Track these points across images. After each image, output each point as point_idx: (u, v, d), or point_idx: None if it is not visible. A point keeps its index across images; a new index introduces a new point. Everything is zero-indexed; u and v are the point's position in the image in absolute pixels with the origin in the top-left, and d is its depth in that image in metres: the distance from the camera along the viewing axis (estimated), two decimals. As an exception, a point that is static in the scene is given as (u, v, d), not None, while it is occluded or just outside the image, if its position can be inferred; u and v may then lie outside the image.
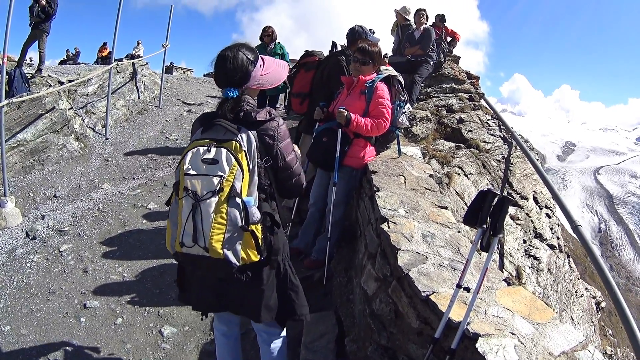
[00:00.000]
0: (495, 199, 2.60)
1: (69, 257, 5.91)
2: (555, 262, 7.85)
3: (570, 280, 8.17)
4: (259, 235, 2.48)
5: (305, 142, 6.09)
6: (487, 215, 2.59)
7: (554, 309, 6.35)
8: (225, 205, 2.39)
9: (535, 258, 7.28)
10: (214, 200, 2.39)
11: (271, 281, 2.75)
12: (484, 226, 2.60)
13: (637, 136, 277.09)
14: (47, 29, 10.18)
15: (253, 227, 2.44)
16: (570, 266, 8.56)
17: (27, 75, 9.28)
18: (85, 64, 19.68)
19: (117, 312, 4.80)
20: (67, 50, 24.50)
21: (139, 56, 17.74)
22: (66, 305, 4.93)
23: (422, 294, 2.92)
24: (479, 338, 2.47)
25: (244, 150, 2.47)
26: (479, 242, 2.65)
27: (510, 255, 6.75)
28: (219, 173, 2.40)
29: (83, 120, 10.00)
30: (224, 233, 2.39)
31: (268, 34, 9.06)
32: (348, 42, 5.96)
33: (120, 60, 14.45)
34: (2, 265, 5.82)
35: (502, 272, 5.96)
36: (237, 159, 2.43)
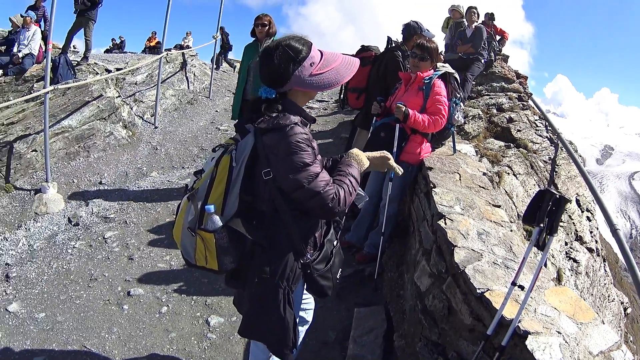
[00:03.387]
0: (553, 199, 2.59)
1: (114, 244, 5.95)
2: (593, 266, 7.81)
3: (605, 284, 8.13)
4: (210, 244, 2.32)
5: (361, 136, 6.13)
6: (544, 214, 2.59)
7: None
8: (186, 205, 2.43)
9: (575, 261, 7.23)
10: (184, 198, 2.45)
11: (257, 299, 2.55)
12: (541, 225, 2.60)
13: None
14: (93, 17, 10.34)
15: (202, 233, 2.33)
16: (605, 270, 8.52)
17: (72, 62, 9.40)
18: (132, 52, 19.81)
19: (163, 300, 4.81)
20: (113, 39, 24.49)
21: (188, 47, 17.90)
22: (108, 292, 4.95)
23: (477, 290, 2.95)
24: (529, 336, 2.50)
25: (231, 156, 2.35)
26: (536, 240, 2.63)
27: (553, 257, 6.70)
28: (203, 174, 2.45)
29: (131, 109, 10.19)
30: (181, 229, 2.43)
31: (263, 24, 6.28)
32: (403, 38, 5.99)
33: (170, 50, 14.68)
34: (41, 251, 5.86)
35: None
36: (217, 163, 2.36)
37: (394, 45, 6.24)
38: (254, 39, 6.46)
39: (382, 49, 6.46)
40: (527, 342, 2.46)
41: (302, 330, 3.10)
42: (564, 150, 8.74)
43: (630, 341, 8.82)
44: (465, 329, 3.09)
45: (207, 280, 5.11)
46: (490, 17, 11.47)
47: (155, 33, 21.58)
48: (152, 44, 20.93)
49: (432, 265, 3.80)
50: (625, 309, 8.36)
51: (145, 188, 7.71)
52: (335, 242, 2.78)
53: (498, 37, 11.30)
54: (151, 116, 10.76)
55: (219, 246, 2.32)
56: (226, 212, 2.36)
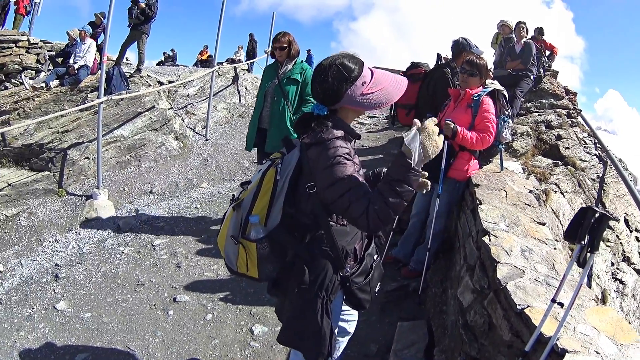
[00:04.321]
0: (595, 216, 2.56)
1: (162, 251, 6.05)
2: None
3: None
4: (252, 252, 2.44)
5: (411, 153, 6.15)
6: (586, 231, 2.56)
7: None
8: (232, 214, 2.54)
9: (621, 282, 7.04)
10: (230, 208, 2.58)
11: (297, 308, 2.61)
12: (582, 242, 2.57)
13: None
14: (146, 31, 10.72)
15: (245, 242, 2.44)
16: None
17: (125, 74, 9.76)
18: (184, 66, 20.30)
19: (208, 308, 4.89)
20: (165, 52, 25.09)
21: (239, 60, 18.22)
22: (155, 297, 5.07)
23: (517, 307, 2.94)
24: (567, 354, 2.46)
25: (276, 169, 2.43)
26: (577, 258, 2.59)
27: (598, 277, 6.59)
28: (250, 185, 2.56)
29: (183, 121, 10.43)
30: (225, 237, 2.55)
31: (281, 47, 5.68)
32: (453, 55, 6.06)
33: (222, 64, 14.96)
34: (90, 254, 6.02)
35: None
36: (263, 176, 2.46)
37: (443, 62, 6.31)
38: (273, 60, 6.00)
39: (432, 66, 6.51)
40: None
41: (343, 340, 3.18)
42: (613, 168, 8.57)
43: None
44: (504, 344, 3.09)
45: (253, 290, 5.19)
46: (539, 32, 11.39)
47: (207, 47, 22.07)
48: (204, 57, 21.37)
49: (475, 281, 3.82)
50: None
51: (195, 198, 7.83)
52: (375, 256, 2.84)
53: (547, 53, 11.19)
54: (202, 128, 10.96)
55: (261, 255, 2.44)
56: (269, 223, 2.44)
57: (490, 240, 3.84)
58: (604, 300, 6.33)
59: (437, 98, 5.74)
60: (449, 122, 4.74)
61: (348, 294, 2.65)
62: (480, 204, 4.51)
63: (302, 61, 5.93)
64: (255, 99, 6.19)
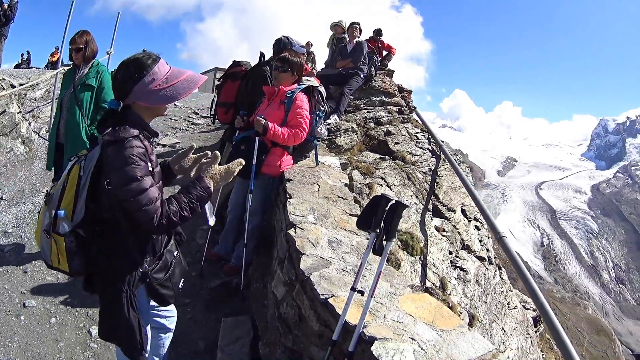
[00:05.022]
0: (389, 204, 2.69)
1: (11, 257, 5.93)
2: (485, 274, 7.81)
3: (502, 292, 8.15)
4: (61, 247, 2.44)
5: (229, 151, 6.12)
6: (380, 219, 2.68)
7: (480, 319, 6.55)
8: (44, 209, 2.59)
9: (462, 269, 7.25)
10: (43, 203, 2.64)
11: (105, 303, 2.70)
12: (377, 231, 2.69)
13: (582, 152, 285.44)
14: (5, 33, 10.16)
15: (55, 236, 2.44)
16: (501, 278, 8.53)
17: None
18: (37, 68, 19.80)
19: (52, 312, 4.90)
20: (22, 54, 24.42)
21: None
22: (9, 303, 4.99)
23: (321, 297, 3.02)
24: (375, 341, 2.52)
25: (80, 165, 2.50)
26: (373, 246, 2.71)
27: (434, 266, 6.72)
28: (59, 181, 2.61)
29: (29, 124, 9.95)
30: (40, 232, 2.57)
31: (77, 49, 5.20)
32: (274, 53, 6.13)
33: (68, 65, 14.26)
34: None
35: (425, 283, 6.04)
36: (69, 172, 2.54)
37: (264, 60, 6.32)
38: (71, 64, 5.49)
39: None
40: (372, 348, 2.49)
41: (166, 337, 3.26)
42: (447, 161, 8.80)
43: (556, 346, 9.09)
44: (315, 335, 3.14)
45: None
46: (377, 32, 11.87)
47: (58, 48, 21.11)
48: (54, 59, 20.78)
49: (284, 273, 3.90)
50: (539, 317, 8.53)
51: (38, 203, 7.62)
52: (175, 253, 2.90)
53: (385, 53, 11.66)
54: (46, 132, 10.44)
55: (69, 249, 2.43)
56: (75, 218, 2.45)
57: (296, 232, 3.93)
58: (443, 288, 6.49)
59: (255, 96, 5.75)
60: (260, 118, 4.77)
61: (150, 289, 2.72)
62: (290, 198, 4.57)
63: (98, 63, 5.39)
64: (56, 109, 5.61)
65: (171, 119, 13.22)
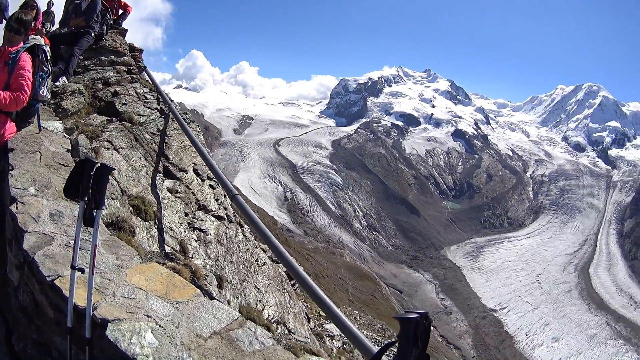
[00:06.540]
0: (94, 169, 2.62)
1: None
2: (226, 233, 7.94)
3: (247, 249, 8.39)
4: None
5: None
6: (88, 186, 2.60)
7: (229, 280, 6.68)
8: None
9: (201, 230, 7.29)
10: None
11: None
12: (86, 199, 2.62)
13: (321, 110, 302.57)
14: None
15: None
16: (244, 235, 8.74)
17: None
18: None
19: None
20: None
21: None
22: None
23: (47, 278, 2.86)
24: (109, 324, 2.44)
25: None
26: (83, 216, 2.64)
27: (172, 230, 6.64)
28: None
29: None
30: None
31: None
32: None
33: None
34: None
35: (164, 248, 5.94)
36: None
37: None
38: None
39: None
40: (107, 332, 2.41)
41: None
42: (176, 121, 8.79)
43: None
44: (53, 322, 2.98)
45: None
46: (114, -10, 11.55)
47: None
48: None
49: (14, 255, 3.61)
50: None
51: None
52: None
53: (121, 11, 11.43)
54: None
55: None
56: None
57: (17, 208, 3.65)
58: (184, 251, 6.45)
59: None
60: None
61: None
62: (12, 169, 4.27)
63: None
64: None
65: None
